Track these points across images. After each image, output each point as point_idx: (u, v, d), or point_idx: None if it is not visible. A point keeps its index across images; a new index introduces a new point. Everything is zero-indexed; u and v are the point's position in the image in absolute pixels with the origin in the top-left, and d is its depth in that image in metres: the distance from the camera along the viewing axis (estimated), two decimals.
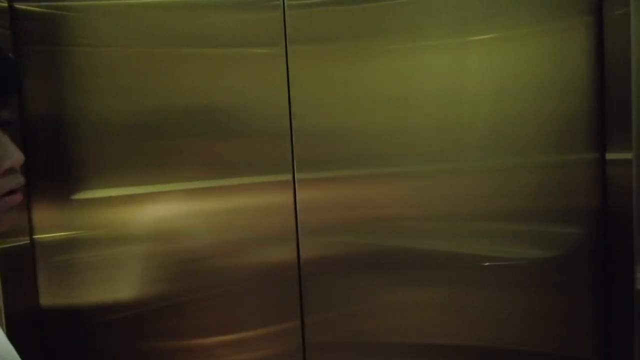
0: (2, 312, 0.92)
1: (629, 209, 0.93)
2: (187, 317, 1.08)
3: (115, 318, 1.07)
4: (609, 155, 0.99)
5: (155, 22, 1.02)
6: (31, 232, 1.05)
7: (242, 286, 1.07)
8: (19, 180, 0.48)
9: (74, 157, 1.04)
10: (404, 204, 1.06)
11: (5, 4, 1.00)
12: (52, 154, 1.04)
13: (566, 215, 1.04)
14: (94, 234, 1.06)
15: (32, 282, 1.05)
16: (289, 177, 1.05)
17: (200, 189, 1.05)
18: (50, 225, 1.06)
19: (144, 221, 1.06)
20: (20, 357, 0.49)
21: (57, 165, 1.04)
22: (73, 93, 1.03)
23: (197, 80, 1.03)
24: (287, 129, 1.04)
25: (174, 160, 1.04)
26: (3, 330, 0.49)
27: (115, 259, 1.06)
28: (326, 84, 1.03)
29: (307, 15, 1.02)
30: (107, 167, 1.04)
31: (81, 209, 1.05)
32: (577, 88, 1.01)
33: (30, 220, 1.05)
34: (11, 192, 0.47)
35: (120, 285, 1.07)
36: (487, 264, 1.06)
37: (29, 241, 1.05)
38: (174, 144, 1.04)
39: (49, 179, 1.04)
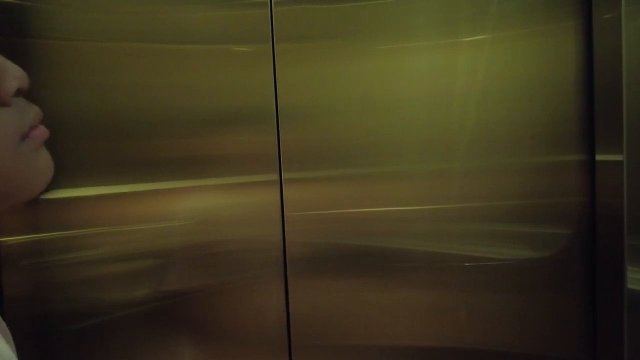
0: None
1: (619, 210, 0.94)
2: (166, 321, 1.03)
3: (87, 325, 1.01)
4: (599, 157, 1.00)
5: (133, 16, 0.97)
6: None
7: (225, 287, 1.04)
8: (34, 109, 0.38)
9: None
10: (392, 205, 1.04)
11: None
12: None
13: (555, 217, 1.04)
14: (63, 235, 0.99)
15: None
16: (275, 176, 1.02)
17: (179, 189, 1.01)
18: (15, 227, 0.99)
19: (119, 222, 1.00)
20: None
21: None
22: (41, 88, 0.97)
23: (176, 78, 0.99)
24: (274, 128, 1.01)
25: (150, 159, 1.00)
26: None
27: (86, 263, 1.00)
28: (314, 82, 1.01)
29: (295, 13, 1.00)
30: (78, 165, 0.99)
31: (49, 209, 0.99)
32: (566, 90, 1.02)
33: None
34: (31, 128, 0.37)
35: (92, 290, 1.01)
36: (475, 264, 1.05)
37: None
38: (151, 143, 1.00)
39: None
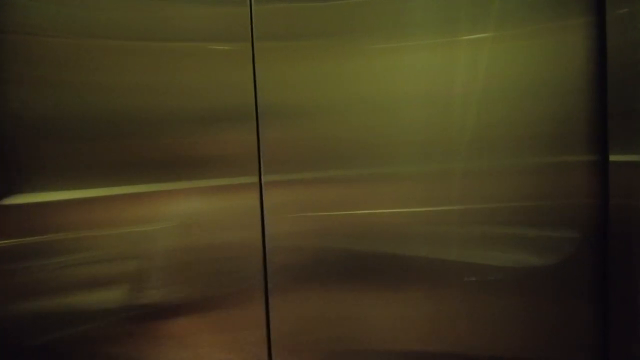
0: None
1: (634, 212, 0.90)
2: (140, 332, 0.98)
3: (58, 337, 0.95)
4: (613, 157, 0.96)
5: (106, 12, 0.93)
6: None
7: (201, 299, 0.99)
8: None
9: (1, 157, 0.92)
10: (384, 208, 1.00)
11: None
12: None
13: (564, 221, 0.99)
14: (25, 242, 0.94)
15: None
16: (255, 179, 0.97)
17: (154, 192, 0.96)
18: None
19: (87, 228, 0.95)
20: None
21: None
22: (5, 85, 0.91)
23: (152, 76, 0.94)
24: (254, 128, 0.97)
25: (122, 161, 0.95)
26: None
27: (54, 270, 0.95)
28: (298, 82, 0.97)
29: (276, 11, 0.96)
30: (43, 168, 0.93)
31: (9, 214, 0.93)
32: (575, 89, 0.97)
33: None
34: None
35: (61, 300, 0.95)
36: (476, 271, 1.00)
37: None
38: (123, 144, 0.95)
39: None
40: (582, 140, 0.98)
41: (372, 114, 0.98)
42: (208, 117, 0.96)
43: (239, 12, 0.95)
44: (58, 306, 0.95)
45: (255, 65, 0.96)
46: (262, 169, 0.97)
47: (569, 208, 0.99)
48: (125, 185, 0.95)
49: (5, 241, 0.93)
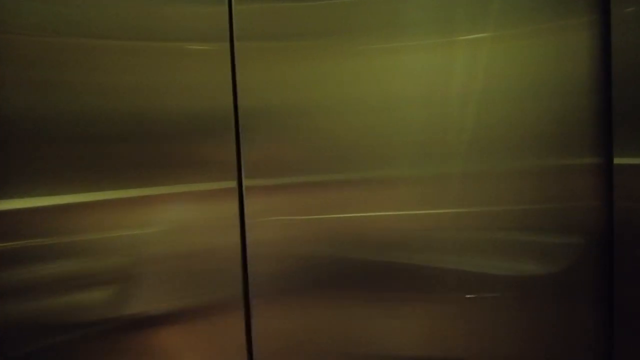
0: None
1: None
2: (119, 346, 0.93)
3: (34, 349, 0.90)
4: (617, 160, 0.93)
5: (75, 9, 0.89)
6: None
7: (182, 308, 0.95)
8: None
9: None
10: (376, 213, 0.96)
11: None
12: None
13: (567, 225, 0.96)
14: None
15: None
16: (234, 184, 0.94)
17: (129, 199, 0.92)
18: None
19: (59, 235, 0.90)
20: None
21: None
22: None
23: (126, 77, 0.91)
24: (233, 131, 0.94)
25: (95, 165, 0.91)
26: None
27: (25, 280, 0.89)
28: (282, 84, 0.94)
29: (258, 11, 0.94)
30: (15, 173, 0.88)
31: None
32: (578, 89, 0.95)
33: None
34: None
35: (34, 309, 0.90)
36: (475, 279, 0.97)
37: None
38: (95, 148, 0.90)
39: None
40: (586, 142, 0.95)
41: (361, 116, 0.95)
42: (186, 120, 0.93)
43: (218, 12, 0.92)
44: (32, 316, 0.90)
45: (235, 65, 0.93)
46: (243, 174, 0.94)
47: (572, 212, 0.96)
48: (97, 191, 0.91)
49: None
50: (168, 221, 0.94)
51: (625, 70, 0.91)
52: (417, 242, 0.97)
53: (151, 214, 0.93)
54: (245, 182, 0.94)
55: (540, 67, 0.94)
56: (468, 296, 0.97)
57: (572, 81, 0.95)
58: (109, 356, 0.93)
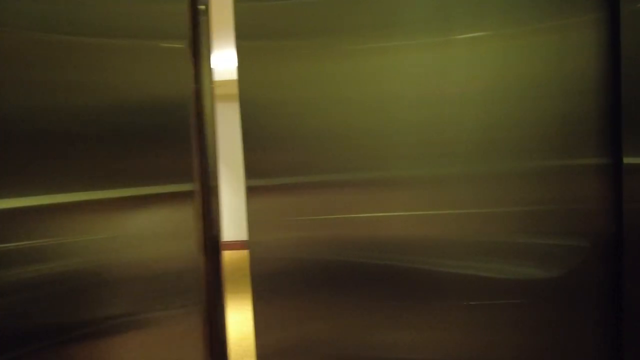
0: None
1: None
2: (104, 349, 0.92)
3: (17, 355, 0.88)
4: (627, 160, 0.90)
5: (47, 5, 0.87)
6: None
7: (140, 315, 0.94)
8: None
9: None
10: (376, 213, 0.95)
11: None
12: None
13: (574, 228, 0.93)
14: None
15: None
16: (196, 186, 0.94)
17: (87, 202, 0.89)
18: None
19: (7, 241, 0.86)
20: None
21: None
22: None
23: (96, 75, 0.89)
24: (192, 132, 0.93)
25: (58, 167, 0.88)
26: None
27: None
28: (276, 83, 0.94)
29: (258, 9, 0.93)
30: None
31: None
32: (585, 88, 0.92)
33: None
34: None
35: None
36: (477, 283, 0.94)
37: None
38: (57, 148, 0.88)
39: None
40: (594, 142, 0.92)
41: (359, 117, 0.94)
42: (163, 119, 0.92)
43: (179, 10, 0.92)
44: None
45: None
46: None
47: (580, 214, 0.93)
48: (59, 193, 0.89)
49: None
50: (127, 225, 0.92)
51: (635, 68, 0.89)
52: (417, 243, 0.95)
53: (110, 218, 0.91)
54: (246, 182, 0.94)
55: (544, 66, 0.92)
56: (470, 300, 0.95)
57: (578, 80, 0.92)
58: None
